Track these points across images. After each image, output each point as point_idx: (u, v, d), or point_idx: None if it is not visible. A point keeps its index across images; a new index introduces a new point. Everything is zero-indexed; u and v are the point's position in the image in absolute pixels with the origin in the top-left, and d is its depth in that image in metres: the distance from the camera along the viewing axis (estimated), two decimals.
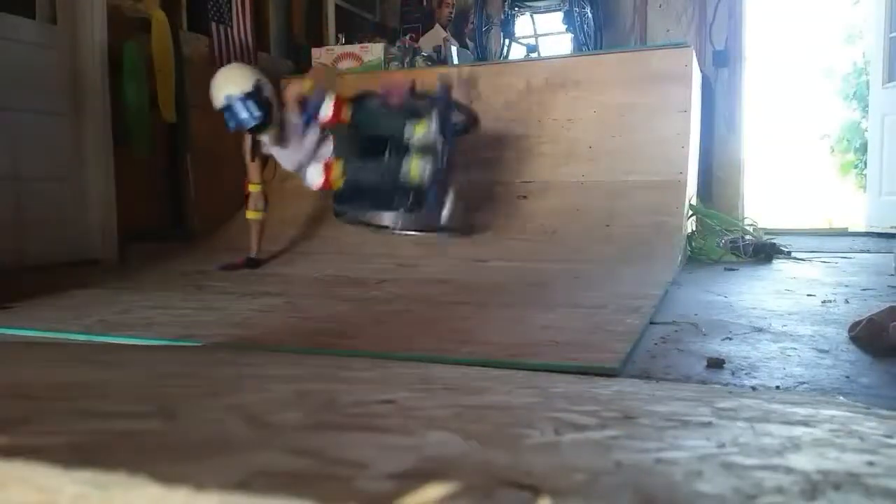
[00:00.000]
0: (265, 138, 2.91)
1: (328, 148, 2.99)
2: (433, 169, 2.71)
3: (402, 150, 2.77)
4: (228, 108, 2.76)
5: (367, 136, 2.86)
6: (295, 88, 2.86)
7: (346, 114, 2.83)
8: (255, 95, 2.74)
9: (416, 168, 2.72)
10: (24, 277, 2.71)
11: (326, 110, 2.83)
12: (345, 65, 4.20)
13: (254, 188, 3.07)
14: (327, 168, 2.91)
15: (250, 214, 3.06)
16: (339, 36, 4.65)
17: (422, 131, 2.73)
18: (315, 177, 2.95)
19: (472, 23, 4.99)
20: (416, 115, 2.79)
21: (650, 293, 2.16)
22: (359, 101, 2.87)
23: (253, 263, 2.99)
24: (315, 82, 2.85)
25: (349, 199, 2.98)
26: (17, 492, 0.45)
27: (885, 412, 0.90)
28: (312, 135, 2.94)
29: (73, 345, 1.55)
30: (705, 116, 4.12)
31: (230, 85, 2.76)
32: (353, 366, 1.24)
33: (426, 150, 2.71)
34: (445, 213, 2.83)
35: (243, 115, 2.74)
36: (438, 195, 2.77)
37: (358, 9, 5.45)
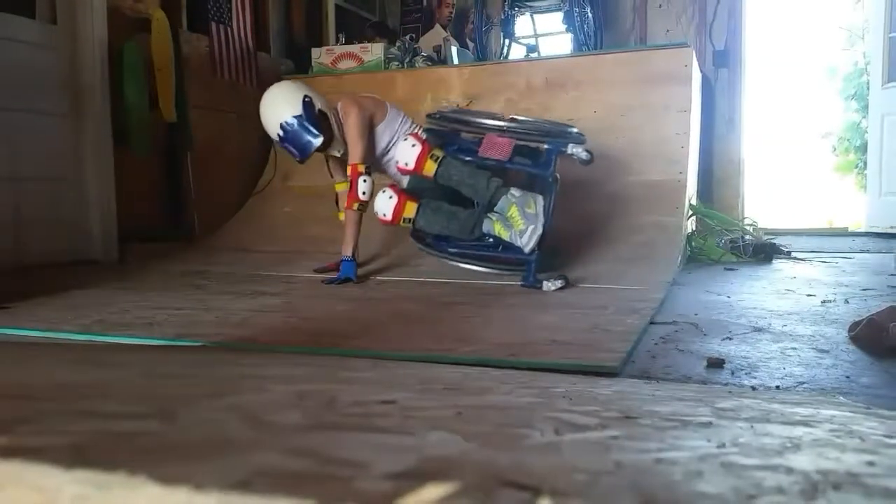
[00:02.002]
0: (335, 149, 2.64)
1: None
2: (537, 238, 2.36)
3: (488, 208, 2.48)
4: (285, 138, 2.50)
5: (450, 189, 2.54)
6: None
7: (430, 168, 2.48)
8: (308, 112, 2.49)
9: (502, 229, 2.43)
10: (24, 277, 2.71)
11: (407, 157, 2.51)
12: (344, 65, 4.20)
13: (339, 187, 2.81)
14: (398, 205, 2.53)
15: (341, 215, 2.74)
16: (339, 36, 4.65)
17: (528, 209, 2.38)
18: (383, 207, 2.55)
19: (472, 23, 5.00)
20: (513, 184, 2.48)
21: (650, 293, 2.16)
22: (446, 154, 2.51)
23: (350, 267, 2.61)
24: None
25: (422, 239, 2.69)
26: (17, 492, 0.45)
27: (885, 412, 0.90)
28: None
29: (72, 345, 1.55)
30: (705, 116, 4.12)
31: (279, 111, 2.49)
32: (353, 366, 1.24)
33: (528, 219, 2.37)
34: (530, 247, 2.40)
35: (305, 138, 2.48)
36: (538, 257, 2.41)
37: (358, 8, 5.45)
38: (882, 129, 4.37)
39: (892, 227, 4.24)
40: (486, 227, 2.50)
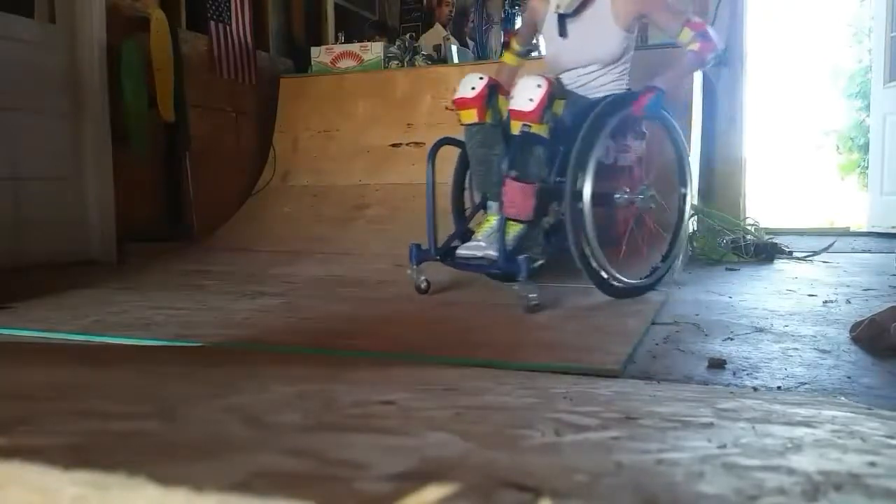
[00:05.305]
0: None
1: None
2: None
3: None
4: None
5: None
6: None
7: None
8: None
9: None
10: (23, 277, 2.71)
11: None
12: (344, 64, 4.20)
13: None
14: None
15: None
16: (339, 34, 4.65)
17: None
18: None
19: (472, 21, 4.99)
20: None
21: (651, 294, 2.16)
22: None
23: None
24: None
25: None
26: (16, 492, 0.45)
27: (886, 413, 0.89)
28: None
29: (72, 345, 1.55)
30: (707, 116, 4.11)
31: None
32: (353, 366, 1.24)
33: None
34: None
35: None
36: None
37: (357, 7, 5.44)
38: (884, 129, 4.37)
39: (893, 227, 4.23)
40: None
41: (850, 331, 1.54)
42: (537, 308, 1.88)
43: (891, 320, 1.43)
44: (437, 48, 4.42)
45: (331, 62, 4.21)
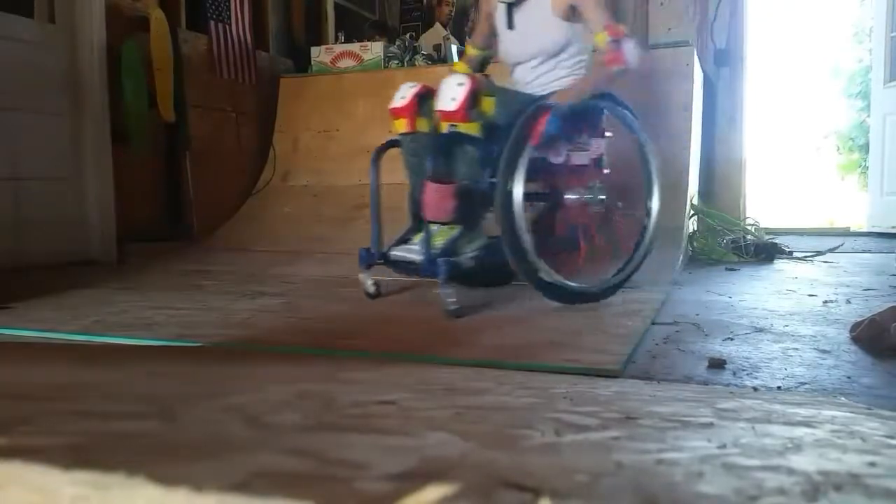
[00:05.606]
0: None
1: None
2: None
3: None
4: None
5: None
6: None
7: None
8: None
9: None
10: (23, 277, 2.71)
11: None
12: (344, 63, 4.19)
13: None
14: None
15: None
16: (339, 34, 4.64)
17: None
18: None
19: (473, 21, 4.99)
20: None
21: (651, 294, 2.16)
22: None
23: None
24: None
25: None
26: (16, 493, 0.45)
27: (886, 413, 0.90)
28: None
29: (72, 345, 1.55)
30: (707, 115, 4.11)
31: None
32: (353, 366, 1.24)
33: None
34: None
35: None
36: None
37: (357, 7, 5.44)
38: (884, 129, 4.37)
39: (893, 227, 4.23)
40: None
41: (850, 331, 1.54)
42: (458, 313, 1.82)
43: (891, 320, 1.43)
44: (437, 48, 4.42)
45: (331, 62, 4.21)
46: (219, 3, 3.87)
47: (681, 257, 2.84)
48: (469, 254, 2.00)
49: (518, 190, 1.83)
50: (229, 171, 4.01)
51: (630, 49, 1.98)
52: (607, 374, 1.24)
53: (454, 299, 1.84)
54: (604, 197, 2.08)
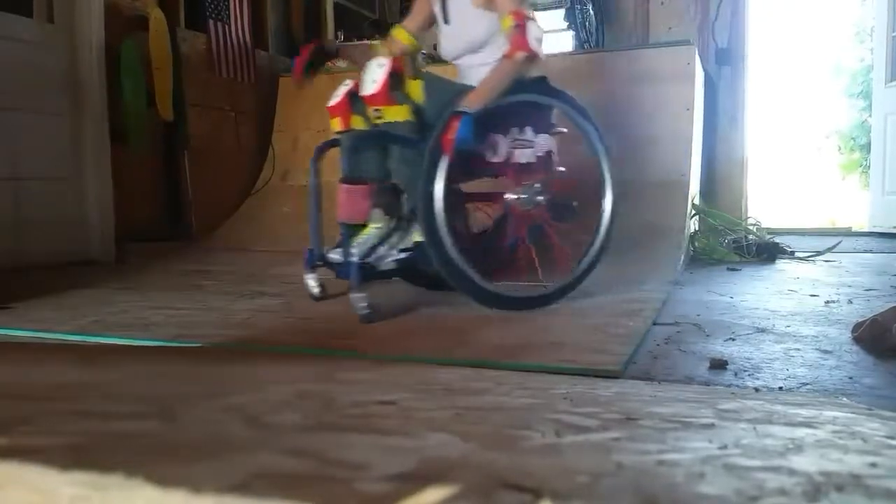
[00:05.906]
0: None
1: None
2: None
3: None
4: None
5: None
6: None
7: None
8: None
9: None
10: (23, 277, 2.71)
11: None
12: (343, 63, 4.19)
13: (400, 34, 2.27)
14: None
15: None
16: (338, 33, 4.64)
17: None
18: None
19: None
20: None
21: (652, 294, 2.15)
22: None
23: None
24: None
25: None
26: (16, 493, 0.45)
27: (887, 413, 0.89)
28: None
29: (71, 345, 1.55)
30: (708, 115, 4.11)
31: None
32: (353, 367, 1.23)
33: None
34: None
35: None
36: None
37: (357, 6, 5.44)
38: (885, 129, 4.36)
39: (895, 227, 4.23)
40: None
41: (852, 331, 1.54)
42: (372, 317, 1.75)
43: (893, 320, 1.42)
44: (436, 46, 4.42)
45: (330, 61, 4.20)
46: (218, 2, 3.87)
47: (682, 257, 2.83)
48: (395, 256, 1.93)
49: (439, 189, 1.75)
50: (228, 170, 4.01)
51: (534, 35, 1.83)
52: (608, 375, 1.24)
53: (365, 304, 1.75)
54: (542, 197, 1.95)
